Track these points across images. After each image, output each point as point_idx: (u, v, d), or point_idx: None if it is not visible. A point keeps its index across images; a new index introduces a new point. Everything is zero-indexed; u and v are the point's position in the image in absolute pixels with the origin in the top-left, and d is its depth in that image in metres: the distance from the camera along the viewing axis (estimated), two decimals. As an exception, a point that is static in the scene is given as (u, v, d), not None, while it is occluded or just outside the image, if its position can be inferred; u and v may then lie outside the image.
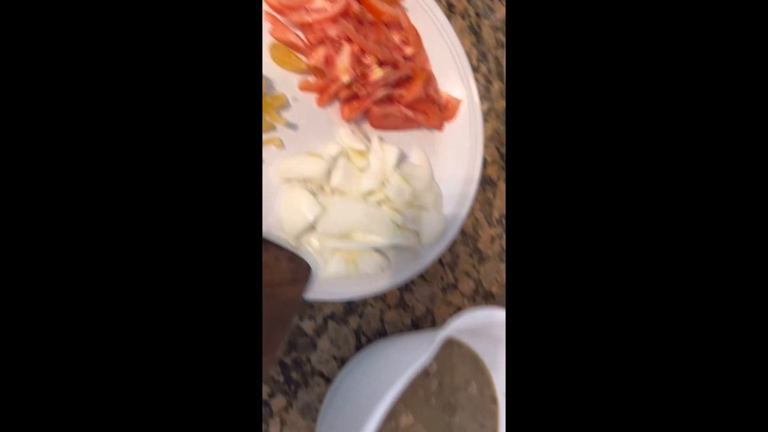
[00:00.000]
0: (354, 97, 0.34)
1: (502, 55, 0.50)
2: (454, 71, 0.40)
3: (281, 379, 0.33)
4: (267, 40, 0.34)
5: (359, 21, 0.35)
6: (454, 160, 0.40)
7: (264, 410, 0.32)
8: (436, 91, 0.39)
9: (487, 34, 0.50)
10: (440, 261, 0.41)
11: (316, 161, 0.32)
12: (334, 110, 0.36)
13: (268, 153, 0.33)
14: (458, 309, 0.42)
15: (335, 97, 0.34)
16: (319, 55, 0.33)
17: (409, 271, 0.35)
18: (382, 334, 0.38)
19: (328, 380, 0.35)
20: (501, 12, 0.51)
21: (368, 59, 0.34)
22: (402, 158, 0.38)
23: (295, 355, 0.33)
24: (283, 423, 0.33)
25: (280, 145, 0.33)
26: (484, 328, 0.29)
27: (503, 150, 0.48)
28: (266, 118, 0.32)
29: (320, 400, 0.34)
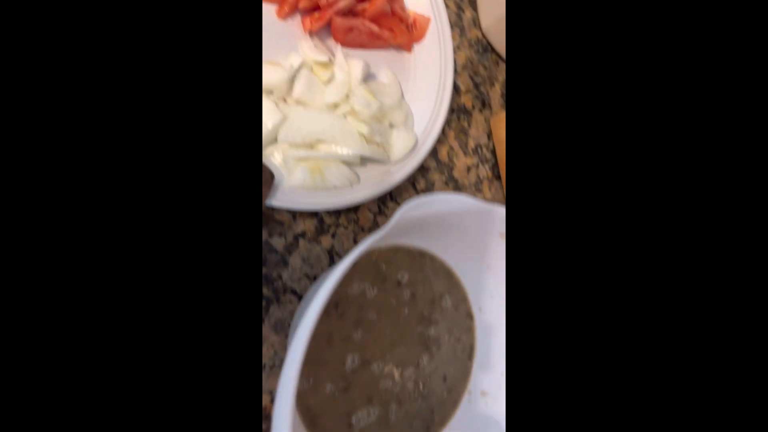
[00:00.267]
0: (315, 7, 0.34)
1: (474, -17, 0.49)
2: (421, -10, 0.39)
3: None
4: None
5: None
6: (424, 82, 0.39)
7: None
8: (402, 8, 0.38)
9: (458, -38, 0.49)
10: (414, 187, 0.41)
11: (276, 70, 0.31)
12: (296, 23, 0.35)
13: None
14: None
15: (295, 8, 0.34)
16: (277, -34, 0.33)
17: (379, 187, 0.34)
18: (355, 256, 0.37)
19: (301, 297, 0.34)
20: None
21: (329, -30, 0.33)
22: (370, 76, 0.38)
23: (265, 271, 0.33)
24: (255, 339, 0.32)
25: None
26: (453, 219, 0.29)
27: (478, 79, 0.47)
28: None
29: (293, 316, 0.34)
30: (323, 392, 0.29)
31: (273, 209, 0.33)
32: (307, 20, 0.34)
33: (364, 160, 0.35)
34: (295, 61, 0.32)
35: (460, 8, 0.47)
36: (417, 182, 0.41)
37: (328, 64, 0.34)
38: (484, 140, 0.47)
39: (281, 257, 0.34)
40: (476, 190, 0.46)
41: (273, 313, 0.33)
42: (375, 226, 0.39)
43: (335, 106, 0.34)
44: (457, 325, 0.35)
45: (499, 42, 0.47)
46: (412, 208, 0.23)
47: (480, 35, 0.48)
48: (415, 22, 0.39)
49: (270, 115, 0.30)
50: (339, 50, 0.35)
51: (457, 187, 0.44)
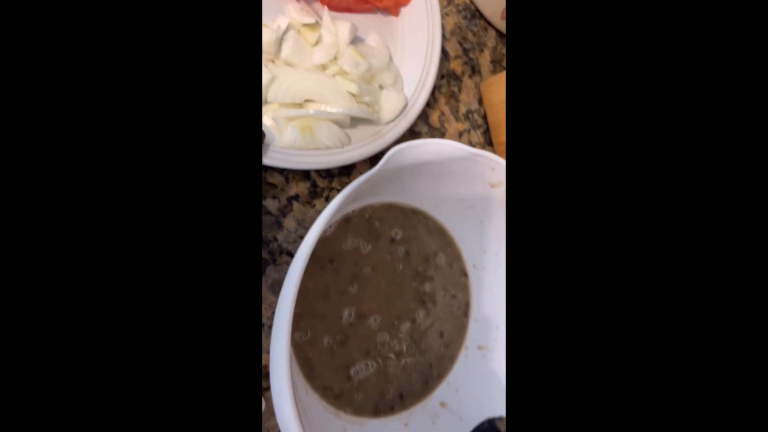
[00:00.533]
0: (300, -31, 0.34)
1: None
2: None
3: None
4: None
5: None
6: (412, 46, 0.40)
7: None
8: (388, -29, 0.38)
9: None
10: (407, 152, 0.41)
11: (264, 31, 0.31)
12: (282, -13, 0.35)
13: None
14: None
15: (280, -30, 0.34)
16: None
17: (370, 147, 0.35)
18: (350, 219, 0.38)
19: (297, 259, 0.35)
20: None
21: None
22: (357, 40, 0.38)
23: (260, 233, 0.33)
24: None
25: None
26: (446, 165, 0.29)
27: (467, 45, 0.47)
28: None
29: (290, 278, 0.34)
30: (321, 345, 0.29)
31: (265, 169, 0.34)
32: (293, -18, 0.34)
33: (354, 122, 0.35)
34: (282, 22, 0.32)
35: (447, -26, 0.47)
36: (409, 147, 0.41)
37: (315, 26, 0.34)
38: (475, 106, 0.47)
39: (276, 219, 0.34)
40: (469, 155, 0.46)
41: (270, 275, 0.33)
42: (368, 190, 0.39)
43: (324, 67, 0.34)
44: (452, 282, 0.36)
45: (488, 7, 0.47)
46: (402, 149, 0.24)
47: (468, 0, 0.48)
48: (401, -16, 0.39)
49: (258, 74, 0.30)
50: (326, 12, 0.35)
51: (449, 152, 0.44)
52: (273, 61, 0.33)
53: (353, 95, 0.33)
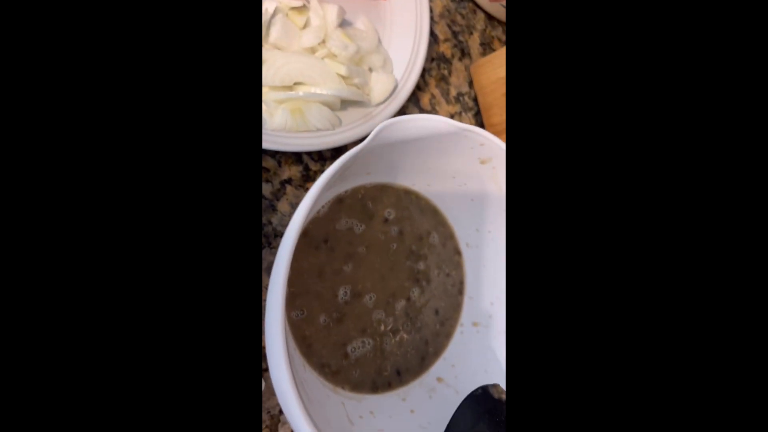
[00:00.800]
0: (286, -47, 0.34)
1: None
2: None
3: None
4: None
5: None
6: (401, 28, 0.40)
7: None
8: (375, -47, 0.38)
9: None
10: (398, 135, 0.41)
11: (251, 15, 0.31)
12: (268, -29, 0.35)
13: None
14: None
15: (266, -46, 0.34)
16: None
17: (361, 129, 0.35)
18: (344, 203, 0.38)
19: (292, 242, 0.35)
20: None
21: None
22: (345, 23, 0.38)
23: (254, 217, 0.34)
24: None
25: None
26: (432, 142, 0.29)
27: (456, 28, 0.48)
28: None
29: (285, 261, 0.35)
30: (317, 323, 0.30)
31: (258, 156, 0.34)
32: (279, -34, 0.34)
33: (345, 104, 0.35)
34: (269, 6, 0.32)
35: (434, -43, 0.47)
36: (400, 130, 0.41)
37: (303, 10, 0.34)
38: (465, 89, 0.47)
39: (270, 203, 0.34)
40: (460, 137, 0.46)
41: (265, 257, 0.34)
42: (361, 173, 0.39)
43: (313, 50, 0.34)
44: (445, 261, 0.36)
45: (475, -10, 0.47)
46: (390, 124, 0.24)
47: (456, -16, 0.48)
48: (387, -33, 0.39)
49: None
50: (313, -3, 0.35)
51: (441, 134, 0.45)
52: (262, 44, 0.33)
53: (343, 77, 0.33)
